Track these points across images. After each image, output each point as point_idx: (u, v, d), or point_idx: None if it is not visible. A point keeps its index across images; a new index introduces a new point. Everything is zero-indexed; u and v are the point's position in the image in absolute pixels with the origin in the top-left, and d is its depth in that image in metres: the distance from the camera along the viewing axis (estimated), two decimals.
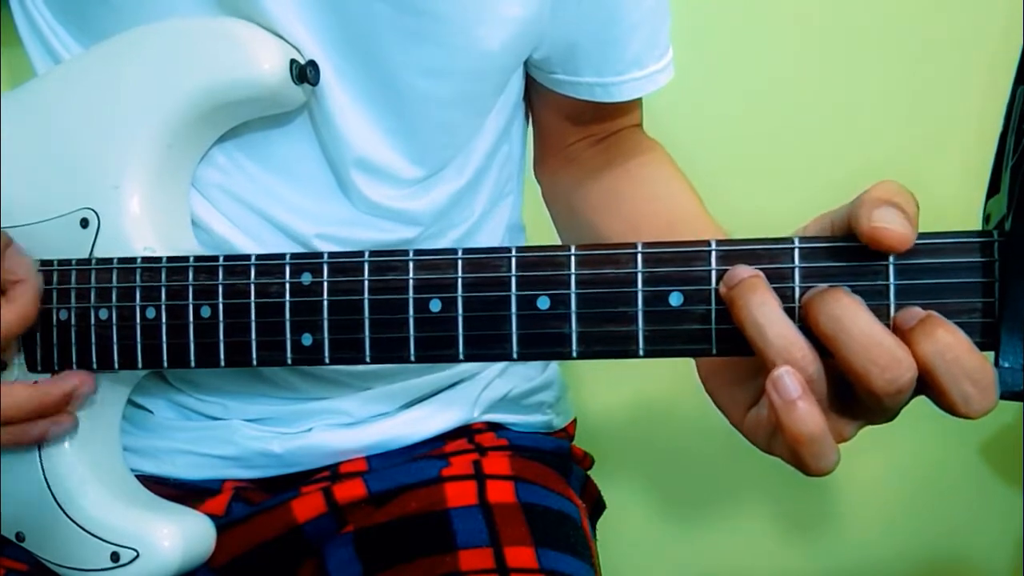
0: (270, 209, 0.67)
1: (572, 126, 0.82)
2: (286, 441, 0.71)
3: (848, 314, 0.43)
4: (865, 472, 1.26)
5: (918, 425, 1.17)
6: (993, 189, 0.46)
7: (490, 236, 0.78)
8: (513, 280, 0.51)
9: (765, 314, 0.45)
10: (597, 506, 0.84)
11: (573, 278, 0.50)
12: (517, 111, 0.79)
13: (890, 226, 0.43)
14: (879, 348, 0.42)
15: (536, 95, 0.80)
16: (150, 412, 0.73)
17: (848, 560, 1.30)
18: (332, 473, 0.72)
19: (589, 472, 0.85)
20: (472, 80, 0.68)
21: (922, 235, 0.45)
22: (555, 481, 0.74)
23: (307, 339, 0.55)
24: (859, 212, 0.44)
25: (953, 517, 1.29)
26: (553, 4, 0.68)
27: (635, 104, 0.81)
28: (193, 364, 0.58)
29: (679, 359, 0.61)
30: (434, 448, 0.74)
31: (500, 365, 0.79)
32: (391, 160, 0.68)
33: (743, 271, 0.47)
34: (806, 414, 0.43)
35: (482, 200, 0.76)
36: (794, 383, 0.44)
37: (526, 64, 0.77)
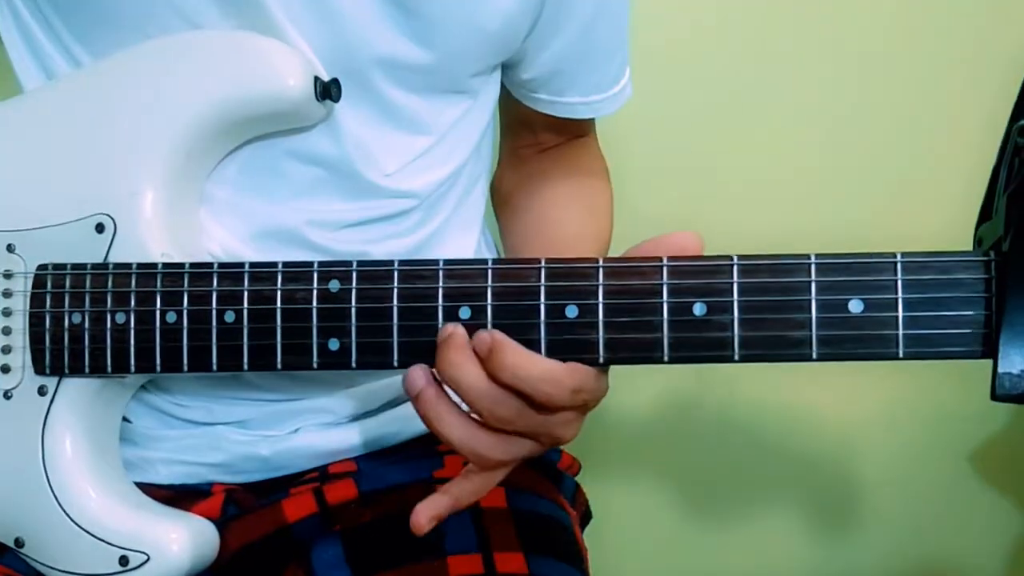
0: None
1: (525, 133, 0.87)
2: (273, 444, 0.71)
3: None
4: (857, 479, 1.25)
5: (910, 432, 1.18)
6: (985, 216, 0.51)
7: (465, 226, 0.79)
8: (542, 290, 0.54)
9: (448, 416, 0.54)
10: (585, 515, 0.85)
11: (600, 288, 0.53)
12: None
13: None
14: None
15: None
16: (128, 421, 0.71)
17: (842, 564, 1.31)
18: (321, 474, 0.72)
19: (577, 477, 0.85)
20: (440, 76, 0.70)
21: (928, 254, 0.50)
22: (546, 487, 0.76)
23: (334, 344, 0.56)
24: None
25: (944, 524, 1.30)
26: (538, 26, 0.71)
27: (592, 120, 0.87)
28: (215, 368, 0.58)
29: None
30: (427, 447, 0.74)
31: None
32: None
33: (417, 380, 0.54)
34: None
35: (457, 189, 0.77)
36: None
37: (509, 85, 0.80)
